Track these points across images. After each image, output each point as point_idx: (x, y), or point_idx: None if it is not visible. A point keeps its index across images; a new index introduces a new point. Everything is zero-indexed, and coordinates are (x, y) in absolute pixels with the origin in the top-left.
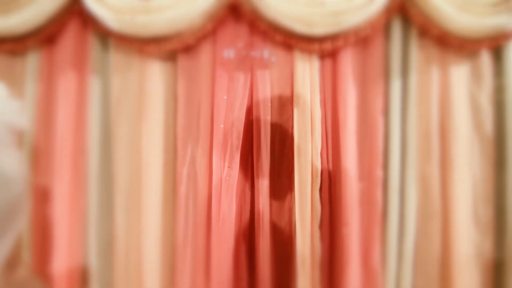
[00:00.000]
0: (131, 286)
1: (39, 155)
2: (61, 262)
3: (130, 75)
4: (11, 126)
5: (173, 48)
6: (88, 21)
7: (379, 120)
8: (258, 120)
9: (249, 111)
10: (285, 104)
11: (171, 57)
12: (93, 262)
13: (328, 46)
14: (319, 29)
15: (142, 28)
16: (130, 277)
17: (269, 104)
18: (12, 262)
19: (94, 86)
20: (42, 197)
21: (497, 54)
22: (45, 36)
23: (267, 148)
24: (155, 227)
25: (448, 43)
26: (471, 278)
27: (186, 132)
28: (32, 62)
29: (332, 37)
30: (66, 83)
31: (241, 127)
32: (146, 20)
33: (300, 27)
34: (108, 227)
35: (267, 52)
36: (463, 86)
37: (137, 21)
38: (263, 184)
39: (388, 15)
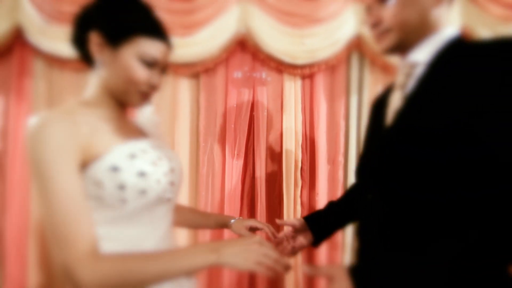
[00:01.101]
0: None
1: None
2: None
3: (165, 88)
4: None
5: (198, 70)
6: None
7: (341, 123)
8: (258, 122)
9: (252, 115)
10: (276, 111)
11: (195, 76)
12: None
13: (307, 71)
14: (300, 60)
15: (177, 57)
16: None
17: (266, 111)
18: None
19: None
20: None
21: None
22: None
23: (264, 141)
24: (183, 199)
25: (389, 70)
26: None
27: (206, 130)
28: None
29: (310, 66)
30: None
31: (245, 127)
32: (181, 52)
33: (287, 59)
34: None
35: (265, 74)
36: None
37: (174, 52)
38: (261, 166)
39: (348, 51)
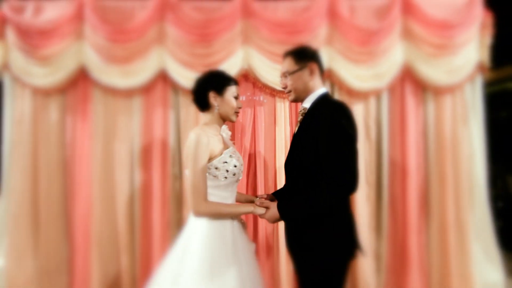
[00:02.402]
0: None
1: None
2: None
3: (190, 109)
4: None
5: None
6: (167, 81)
7: None
8: (258, 132)
9: (253, 128)
10: (271, 124)
11: None
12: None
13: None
14: None
15: None
16: None
17: (263, 124)
18: None
19: (171, 115)
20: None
21: (378, 98)
22: (145, 89)
23: (262, 146)
24: None
25: (353, 94)
26: (364, 217)
27: None
28: (136, 102)
29: None
30: (157, 114)
31: (249, 136)
32: None
33: (278, 87)
34: None
35: (262, 97)
36: (360, 114)
37: None
38: (260, 164)
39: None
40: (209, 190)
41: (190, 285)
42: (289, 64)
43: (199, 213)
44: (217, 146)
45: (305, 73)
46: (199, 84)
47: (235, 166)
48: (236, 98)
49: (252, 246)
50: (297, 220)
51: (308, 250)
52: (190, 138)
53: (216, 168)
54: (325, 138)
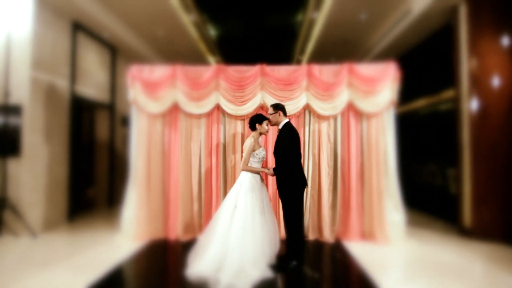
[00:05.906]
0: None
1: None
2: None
3: (231, 124)
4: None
5: (244, 117)
6: (219, 109)
7: (302, 138)
8: (268, 138)
9: (266, 136)
10: (275, 133)
11: (243, 119)
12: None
13: (287, 116)
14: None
15: (237, 113)
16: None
17: (271, 133)
18: None
19: (221, 128)
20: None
21: (335, 120)
22: (208, 114)
23: (271, 145)
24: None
25: (320, 117)
26: (326, 185)
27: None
28: (203, 121)
29: (288, 116)
30: (214, 127)
31: (263, 140)
32: (239, 111)
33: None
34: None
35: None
36: (325, 128)
37: (236, 112)
38: (269, 154)
39: (304, 109)
40: (252, 163)
41: (243, 193)
42: (270, 110)
43: (243, 169)
44: (257, 146)
45: (276, 115)
46: (252, 120)
47: (264, 155)
48: (267, 125)
49: (265, 188)
50: (280, 174)
51: (285, 185)
52: (247, 141)
53: (256, 154)
54: (285, 142)
